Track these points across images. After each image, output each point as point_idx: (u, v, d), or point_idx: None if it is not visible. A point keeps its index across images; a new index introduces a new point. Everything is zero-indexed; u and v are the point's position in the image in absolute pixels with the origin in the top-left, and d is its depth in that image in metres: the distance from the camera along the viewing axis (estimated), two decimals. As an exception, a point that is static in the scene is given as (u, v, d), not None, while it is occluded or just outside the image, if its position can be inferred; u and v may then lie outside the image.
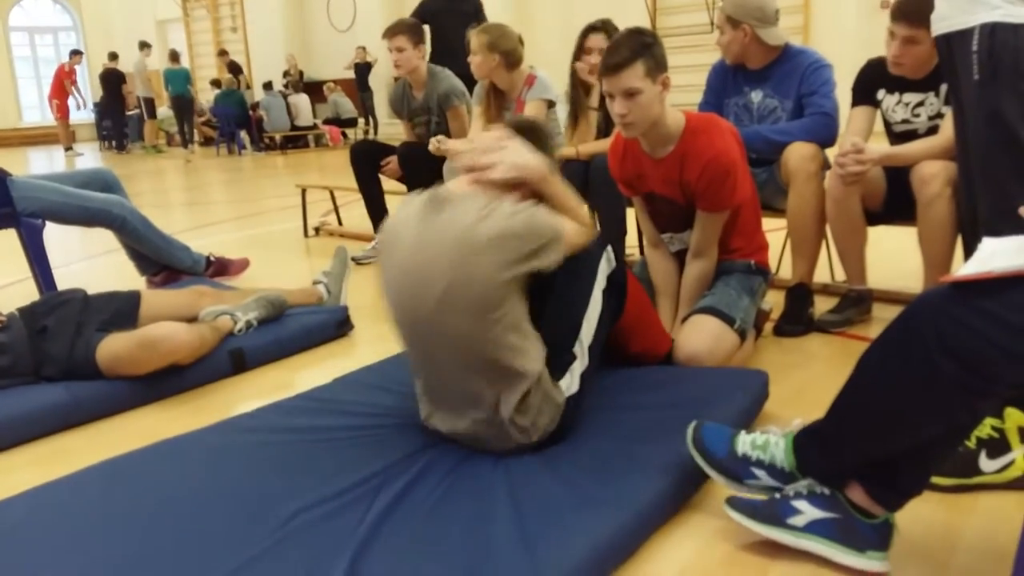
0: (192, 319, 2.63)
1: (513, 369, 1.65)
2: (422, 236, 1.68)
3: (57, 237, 3.42)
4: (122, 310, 2.54)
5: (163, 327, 2.34)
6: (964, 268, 1.18)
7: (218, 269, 3.71)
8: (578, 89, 3.34)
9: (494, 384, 1.66)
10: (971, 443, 1.62)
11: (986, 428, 1.61)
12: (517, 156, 1.82)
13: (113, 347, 2.30)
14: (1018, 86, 1.68)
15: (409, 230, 1.71)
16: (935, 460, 1.36)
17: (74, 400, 2.25)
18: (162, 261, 3.53)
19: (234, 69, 14.28)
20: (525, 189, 1.82)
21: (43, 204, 3.22)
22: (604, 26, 3.23)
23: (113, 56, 14.35)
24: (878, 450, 1.34)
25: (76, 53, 14.34)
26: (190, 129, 13.77)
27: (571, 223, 1.82)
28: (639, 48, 2.11)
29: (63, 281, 3.35)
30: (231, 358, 2.57)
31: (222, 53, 14.65)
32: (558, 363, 1.75)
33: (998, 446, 1.62)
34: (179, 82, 13.36)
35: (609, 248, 1.92)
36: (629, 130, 2.23)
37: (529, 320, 1.71)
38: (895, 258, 3.35)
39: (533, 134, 1.92)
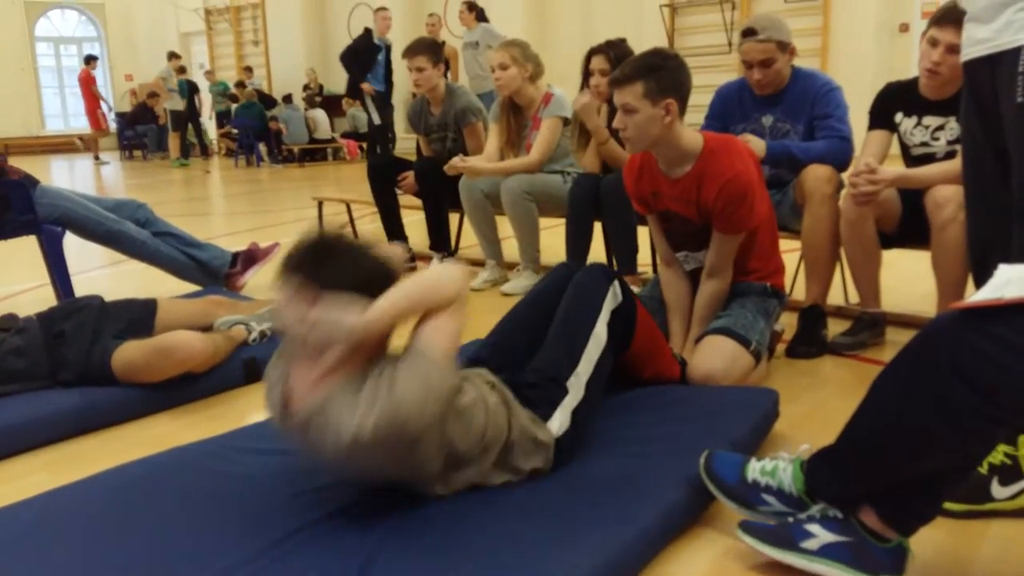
0: (207, 328, 2.65)
1: (469, 452, 1.57)
2: (303, 450, 1.51)
3: (77, 244, 3.45)
4: (138, 318, 2.56)
5: (178, 335, 2.36)
6: (977, 295, 1.18)
7: (248, 258, 3.72)
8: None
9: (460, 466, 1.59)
10: (983, 469, 1.61)
11: (999, 455, 1.60)
12: (335, 325, 1.42)
13: (129, 354, 2.32)
14: None
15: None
16: (949, 485, 1.35)
17: (89, 405, 2.27)
18: (184, 279, 3.56)
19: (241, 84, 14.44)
20: (366, 348, 1.47)
21: (64, 213, 3.27)
22: (607, 48, 3.26)
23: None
24: (891, 475, 1.33)
25: (92, 59, 14.43)
26: (198, 140, 13.87)
27: (440, 324, 1.50)
28: (643, 69, 2.14)
29: (81, 288, 3.39)
30: (244, 367, 2.58)
31: (247, 69, 14.76)
32: (547, 399, 1.71)
33: (1011, 473, 1.61)
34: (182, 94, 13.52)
35: (616, 283, 1.90)
36: (628, 144, 2.26)
37: (476, 400, 1.58)
38: (910, 281, 3.34)
39: (325, 269, 1.45)
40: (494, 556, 1.40)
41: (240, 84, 14.12)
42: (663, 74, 2.14)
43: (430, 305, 1.52)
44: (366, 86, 7.74)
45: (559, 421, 1.70)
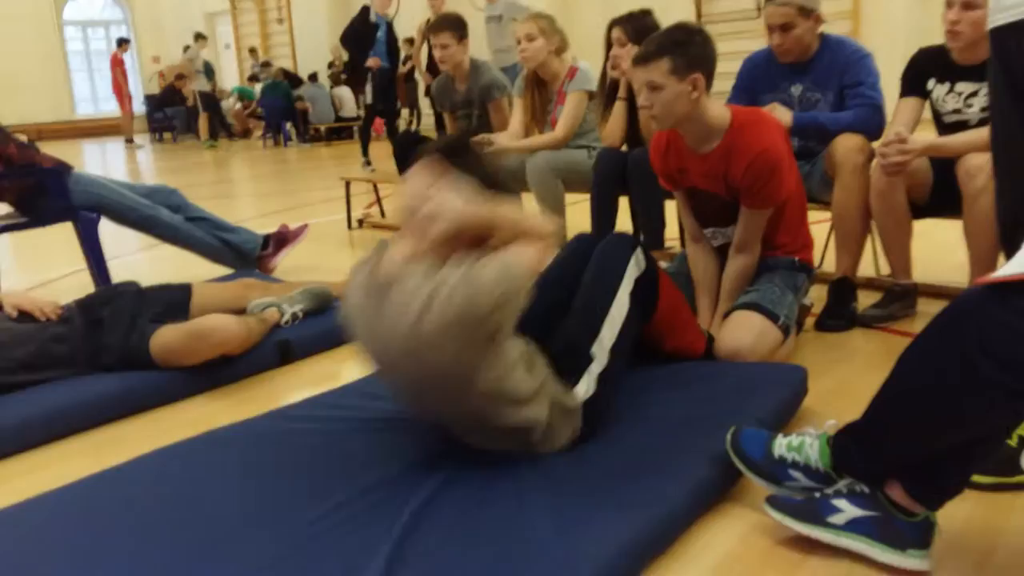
0: (240, 311, 2.70)
1: (518, 425, 1.63)
2: (374, 330, 1.62)
3: (111, 230, 3.52)
4: (174, 302, 2.62)
5: (214, 319, 2.41)
6: (1004, 269, 1.17)
7: (279, 240, 3.78)
8: (607, 84, 3.38)
9: (504, 437, 1.66)
10: (1012, 442, 1.60)
11: (1029, 427, 1.60)
12: (448, 204, 1.58)
13: (166, 338, 2.37)
14: None
15: (361, 321, 1.65)
16: (976, 459, 1.35)
17: (128, 390, 2.34)
18: (217, 263, 3.62)
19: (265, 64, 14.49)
20: (469, 235, 1.61)
21: (98, 199, 3.34)
22: (627, 20, 3.22)
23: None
24: (917, 449, 1.34)
25: (124, 41, 14.59)
26: (217, 122, 13.96)
27: (528, 248, 1.60)
28: (668, 45, 2.13)
29: (116, 273, 3.47)
30: (278, 349, 2.64)
31: (265, 64, 14.74)
32: (573, 366, 1.75)
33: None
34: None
35: (639, 250, 1.92)
36: (655, 122, 2.25)
37: (524, 360, 1.64)
38: (943, 251, 3.30)
39: (463, 155, 1.66)
40: (524, 531, 1.43)
41: (266, 64, 14.19)
42: (689, 49, 2.13)
43: (527, 232, 1.60)
44: (371, 61, 7.68)
45: (585, 386, 1.74)
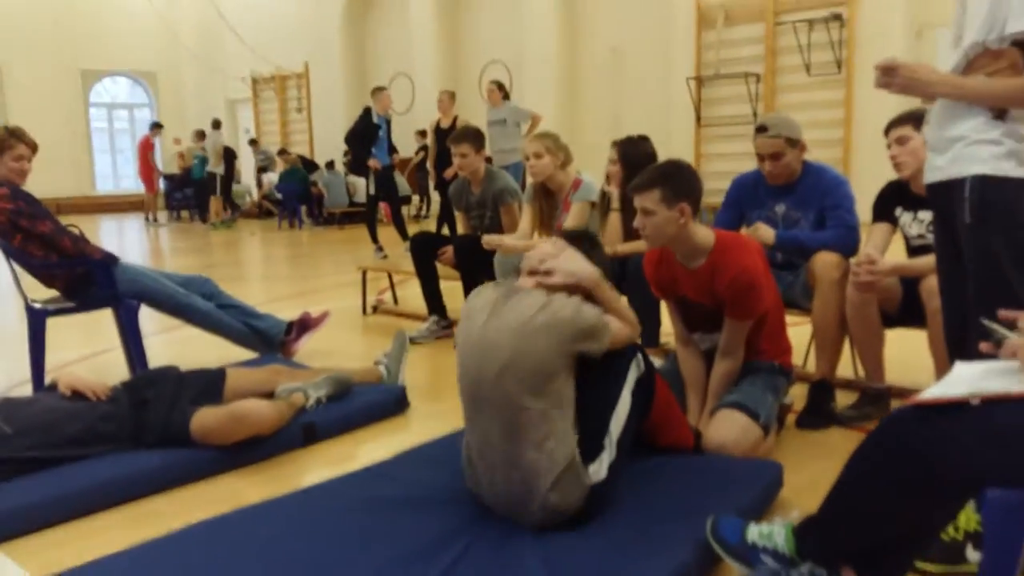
0: (268, 394, 2.95)
1: (551, 446, 1.93)
2: (492, 319, 2.03)
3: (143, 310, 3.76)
4: (210, 386, 2.87)
5: (251, 404, 2.66)
6: (929, 390, 1.44)
7: (301, 326, 4.04)
8: (606, 196, 3.75)
9: (534, 458, 1.92)
10: (959, 535, 1.83)
11: (972, 523, 1.82)
12: (572, 264, 2.18)
13: (207, 419, 2.61)
14: (1009, 232, 1.95)
15: (484, 310, 2.07)
16: (915, 549, 1.60)
17: (165, 466, 2.55)
18: (243, 347, 3.88)
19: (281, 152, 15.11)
20: (579, 293, 2.14)
21: (141, 288, 3.62)
22: (625, 143, 3.62)
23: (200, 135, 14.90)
24: (864, 538, 1.57)
25: (157, 126, 15.24)
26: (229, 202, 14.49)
27: (618, 322, 2.14)
28: (659, 177, 2.46)
29: (148, 349, 3.70)
30: (303, 431, 2.87)
31: (282, 152, 15.34)
32: (589, 451, 2.01)
33: (983, 540, 1.83)
34: (200, 164, 14.26)
35: (639, 354, 2.19)
36: (647, 241, 2.57)
37: (573, 408, 2.01)
38: (915, 355, 3.54)
39: (586, 244, 2.27)
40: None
41: (283, 151, 14.76)
42: (677, 181, 2.45)
43: (619, 313, 2.20)
44: (372, 162, 8.19)
45: (597, 469, 2.00)
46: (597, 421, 2.06)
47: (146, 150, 14.85)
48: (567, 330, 1.98)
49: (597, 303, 2.14)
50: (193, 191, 14.97)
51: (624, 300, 2.26)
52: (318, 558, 1.90)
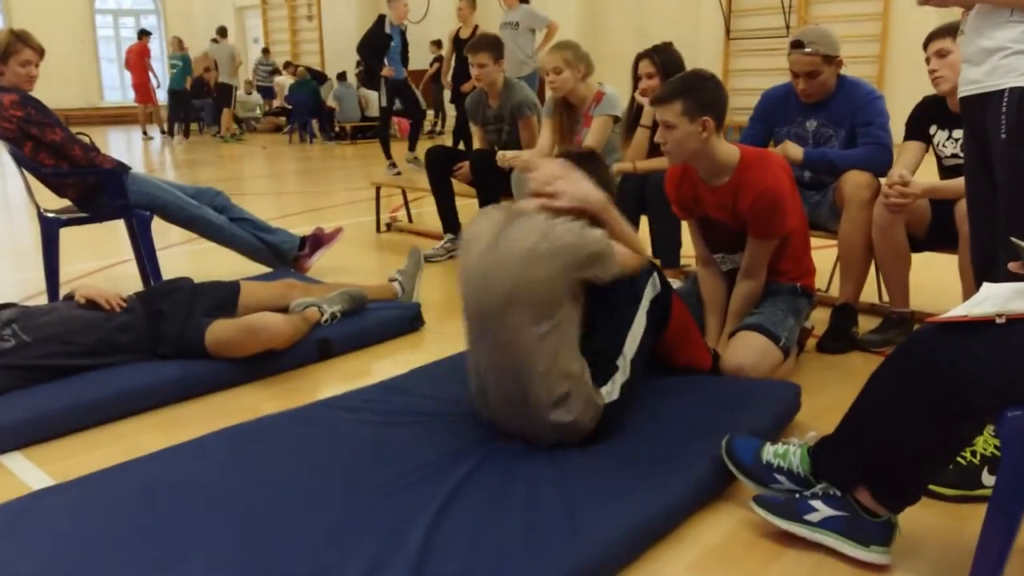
0: (282, 308, 2.94)
1: (557, 369, 1.90)
2: (495, 244, 1.97)
3: (156, 224, 3.72)
4: (225, 298, 2.86)
5: (265, 317, 2.65)
6: (954, 310, 1.40)
7: (315, 241, 4.01)
8: (633, 110, 3.61)
9: (540, 382, 1.90)
10: (975, 459, 1.83)
11: (989, 447, 1.82)
12: (579, 188, 2.09)
13: (220, 332, 2.61)
14: None
15: (486, 237, 2.01)
16: (931, 471, 1.59)
17: (185, 377, 2.58)
18: (256, 261, 3.86)
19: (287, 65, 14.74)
20: (586, 217, 2.06)
21: (152, 199, 3.58)
22: (654, 52, 3.46)
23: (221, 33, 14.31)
24: (881, 459, 1.57)
25: (145, 33, 14.65)
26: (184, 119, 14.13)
27: (625, 249, 2.08)
28: (682, 89, 2.36)
29: (161, 264, 3.69)
30: (318, 346, 2.87)
31: (288, 65, 14.95)
32: (602, 372, 1.99)
33: (999, 463, 1.82)
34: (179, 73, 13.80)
35: (655, 274, 2.15)
36: (668, 157, 2.49)
37: (579, 334, 1.97)
38: (945, 282, 3.49)
39: (592, 165, 2.18)
40: (542, 510, 1.67)
41: (288, 64, 14.45)
42: (700, 93, 2.36)
43: (626, 238, 2.14)
44: (386, 70, 7.94)
45: (609, 390, 1.99)
46: (612, 342, 2.04)
47: (142, 57, 14.29)
48: (571, 257, 1.92)
49: (603, 227, 2.07)
50: (169, 102, 14.23)
51: (642, 220, 2.17)
52: (336, 465, 1.93)
